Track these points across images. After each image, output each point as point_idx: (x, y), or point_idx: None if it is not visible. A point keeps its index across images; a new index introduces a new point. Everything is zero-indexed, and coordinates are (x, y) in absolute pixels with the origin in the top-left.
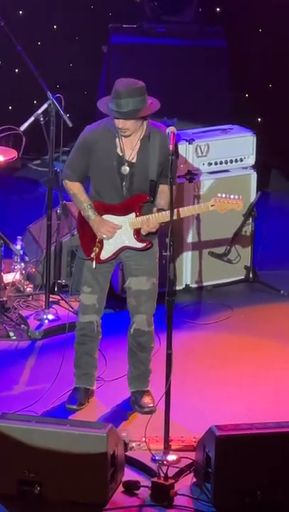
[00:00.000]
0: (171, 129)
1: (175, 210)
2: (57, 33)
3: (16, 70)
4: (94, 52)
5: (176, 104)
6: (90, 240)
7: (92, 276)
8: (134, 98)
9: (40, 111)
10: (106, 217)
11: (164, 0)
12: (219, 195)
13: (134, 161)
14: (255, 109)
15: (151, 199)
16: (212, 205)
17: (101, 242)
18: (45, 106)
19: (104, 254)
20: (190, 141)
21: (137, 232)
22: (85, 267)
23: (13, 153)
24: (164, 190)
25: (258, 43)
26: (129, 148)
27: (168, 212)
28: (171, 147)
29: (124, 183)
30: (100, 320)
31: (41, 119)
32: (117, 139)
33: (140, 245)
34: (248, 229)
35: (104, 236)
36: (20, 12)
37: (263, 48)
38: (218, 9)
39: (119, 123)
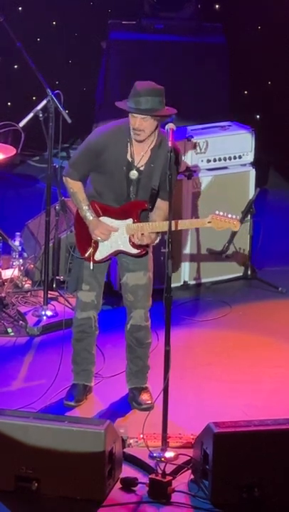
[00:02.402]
0: (170, 126)
1: (173, 222)
2: (56, 29)
3: (15, 66)
4: (93, 48)
5: (174, 101)
6: (85, 239)
7: (91, 274)
8: (153, 97)
9: (39, 107)
10: (103, 219)
11: None
12: (217, 212)
13: (142, 168)
14: (254, 106)
15: (150, 207)
16: (209, 222)
17: (96, 242)
18: (44, 102)
19: (99, 255)
20: (189, 138)
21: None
22: (83, 265)
23: (12, 151)
24: (160, 207)
25: (257, 39)
26: (139, 155)
27: (163, 223)
28: (170, 144)
29: (131, 188)
30: (97, 315)
31: (40, 115)
32: (128, 145)
33: (134, 251)
34: (246, 226)
35: (98, 238)
36: (20, 8)
37: (262, 45)
38: (217, 6)
39: (136, 122)
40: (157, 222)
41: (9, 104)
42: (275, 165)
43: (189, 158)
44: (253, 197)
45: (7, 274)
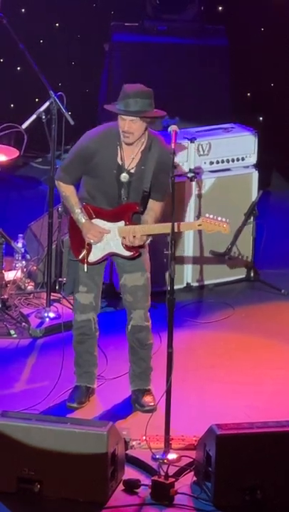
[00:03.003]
0: (173, 128)
1: (162, 225)
2: (59, 31)
3: (18, 68)
4: (96, 50)
5: (177, 103)
6: (79, 242)
7: (88, 275)
8: (142, 99)
9: (42, 109)
10: (96, 221)
11: None
12: (207, 215)
13: (132, 171)
14: (256, 107)
15: (142, 209)
16: (199, 225)
17: (90, 245)
18: (46, 104)
19: (92, 257)
20: (192, 140)
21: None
22: (79, 267)
23: (15, 153)
24: (153, 208)
25: (260, 41)
26: (129, 157)
27: (154, 226)
28: (173, 145)
29: (122, 191)
30: (97, 317)
31: (43, 117)
32: (118, 148)
33: (127, 254)
34: (249, 228)
35: (91, 240)
36: (23, 10)
37: (265, 47)
38: (219, 8)
39: (125, 125)
40: (149, 225)
41: (12, 105)
42: (278, 167)
43: (192, 160)
44: (255, 199)
45: (10, 275)
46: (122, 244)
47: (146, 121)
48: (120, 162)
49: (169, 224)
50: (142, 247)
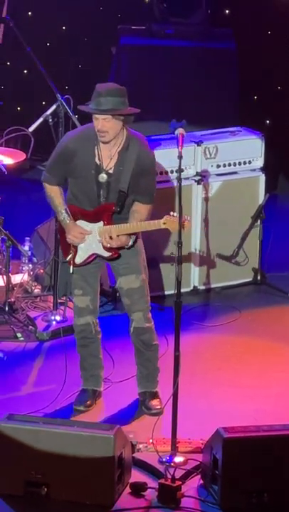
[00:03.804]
0: (179, 131)
1: (136, 223)
2: (66, 34)
3: (25, 71)
4: (103, 53)
5: (184, 106)
6: (67, 244)
7: (81, 278)
8: (114, 97)
9: (48, 112)
10: (80, 222)
11: (173, 1)
12: (171, 213)
13: (111, 171)
14: (263, 111)
15: (118, 209)
16: (164, 223)
17: (76, 247)
18: (54, 107)
19: (78, 259)
20: (198, 143)
21: None
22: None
23: (22, 156)
24: (138, 210)
25: (267, 44)
26: (107, 157)
27: (128, 225)
28: (180, 149)
29: (101, 192)
30: (97, 320)
31: (50, 120)
32: (96, 148)
33: (107, 254)
34: (256, 231)
35: (72, 241)
36: (30, 13)
37: (272, 50)
38: (227, 11)
39: (99, 124)
40: (123, 224)
41: (19, 108)
42: (285, 170)
43: (199, 164)
44: (262, 202)
45: (16, 279)
46: (102, 244)
47: (120, 119)
48: (98, 162)
49: (143, 223)
50: (122, 248)
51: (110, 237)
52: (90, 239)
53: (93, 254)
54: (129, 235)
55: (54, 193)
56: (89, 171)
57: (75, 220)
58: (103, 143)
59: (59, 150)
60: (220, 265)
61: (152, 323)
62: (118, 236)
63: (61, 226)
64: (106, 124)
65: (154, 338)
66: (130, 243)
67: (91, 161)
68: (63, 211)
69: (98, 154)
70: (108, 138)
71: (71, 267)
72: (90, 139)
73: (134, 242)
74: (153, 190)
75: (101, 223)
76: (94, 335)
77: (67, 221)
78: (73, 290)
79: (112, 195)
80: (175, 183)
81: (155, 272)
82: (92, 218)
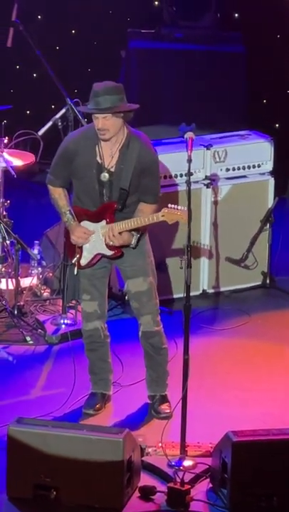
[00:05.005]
0: (189, 135)
1: (130, 220)
2: (75, 37)
3: (34, 75)
4: (112, 57)
5: (194, 110)
6: (73, 246)
7: (89, 282)
8: (112, 96)
9: (58, 115)
10: (84, 223)
11: (182, 5)
12: (169, 205)
13: (112, 170)
14: (273, 115)
15: (120, 207)
16: (162, 216)
17: (81, 248)
18: (63, 111)
19: (83, 261)
20: (208, 147)
21: None
22: (80, 274)
23: (31, 158)
24: (142, 210)
25: (277, 48)
26: (108, 156)
27: (129, 221)
28: (189, 152)
29: (104, 191)
30: (105, 324)
31: (59, 123)
32: (97, 147)
33: (110, 253)
34: (265, 235)
35: (76, 242)
36: (39, 17)
37: (281, 54)
38: (236, 14)
39: (99, 123)
40: (124, 221)
41: (28, 112)
42: None
43: (208, 167)
44: (272, 206)
45: (26, 282)
46: (105, 243)
47: (120, 116)
48: (100, 161)
49: (143, 218)
50: (125, 247)
51: (113, 235)
52: (94, 239)
53: (98, 255)
54: (131, 232)
55: (58, 194)
56: (91, 171)
57: (80, 221)
58: (104, 140)
59: (61, 152)
60: (229, 269)
61: (161, 326)
62: (120, 234)
63: (66, 229)
64: (106, 123)
65: (164, 341)
66: (133, 241)
67: (92, 160)
68: (67, 213)
69: (99, 153)
70: (109, 135)
71: (76, 268)
72: (90, 138)
73: (138, 241)
74: (157, 190)
75: (104, 222)
76: (102, 339)
77: (72, 222)
78: (81, 295)
79: (115, 194)
80: (184, 187)
81: (164, 276)
82: (96, 218)
